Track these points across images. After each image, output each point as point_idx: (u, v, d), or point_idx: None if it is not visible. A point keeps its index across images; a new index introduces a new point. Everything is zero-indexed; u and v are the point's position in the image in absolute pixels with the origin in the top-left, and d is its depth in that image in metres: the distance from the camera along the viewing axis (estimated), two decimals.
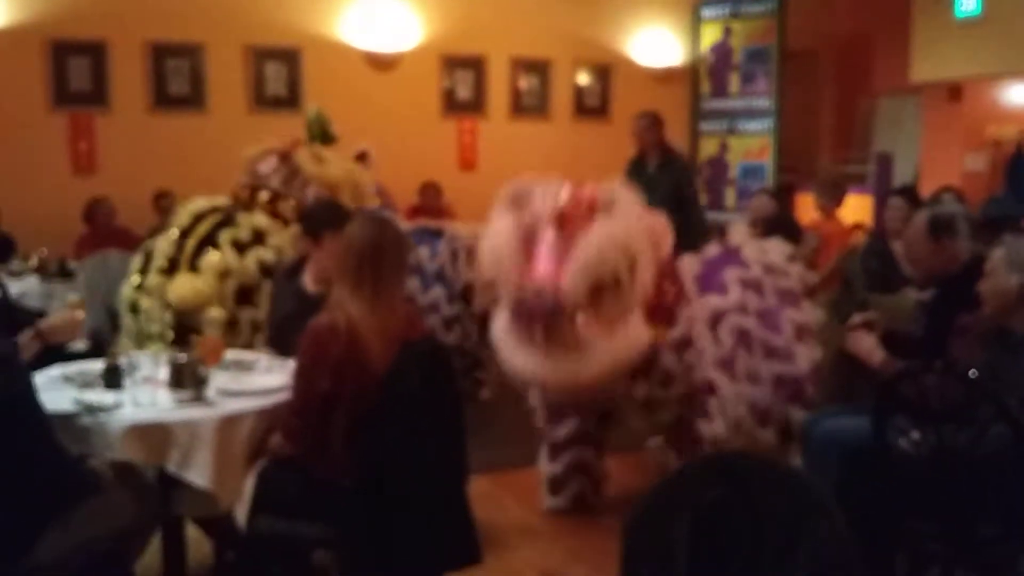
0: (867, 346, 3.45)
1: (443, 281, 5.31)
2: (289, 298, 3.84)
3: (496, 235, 3.42)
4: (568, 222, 3.34)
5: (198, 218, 4.67)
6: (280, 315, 3.87)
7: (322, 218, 3.82)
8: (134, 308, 4.58)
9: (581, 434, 4.07)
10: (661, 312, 3.55)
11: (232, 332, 4.32)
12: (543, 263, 3.28)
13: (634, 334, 3.33)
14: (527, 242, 3.35)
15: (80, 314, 3.34)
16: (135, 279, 4.64)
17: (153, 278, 4.55)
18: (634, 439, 4.57)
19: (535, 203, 3.40)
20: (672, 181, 6.18)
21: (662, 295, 3.54)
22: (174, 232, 4.62)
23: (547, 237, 3.32)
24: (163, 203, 7.00)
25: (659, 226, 3.54)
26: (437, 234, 5.47)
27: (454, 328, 5.29)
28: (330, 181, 5.09)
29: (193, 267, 4.52)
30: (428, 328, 5.24)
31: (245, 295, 4.50)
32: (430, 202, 7.73)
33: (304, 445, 2.90)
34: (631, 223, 3.36)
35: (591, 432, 4.12)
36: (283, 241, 4.67)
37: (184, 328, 4.33)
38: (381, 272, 2.93)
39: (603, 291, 3.25)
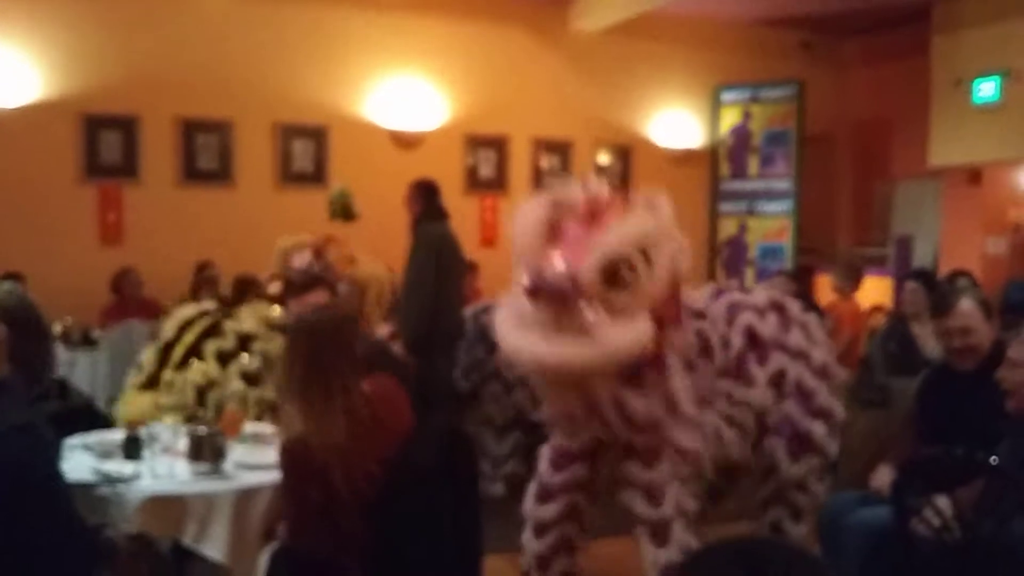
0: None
1: None
2: None
3: (525, 216, 3.41)
4: (598, 216, 3.36)
5: (184, 327, 4.69)
6: None
7: (289, 288, 3.97)
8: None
9: (568, 511, 3.99)
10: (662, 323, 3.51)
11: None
12: (565, 249, 3.28)
13: (639, 330, 3.28)
14: (554, 230, 3.36)
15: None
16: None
17: (129, 394, 4.58)
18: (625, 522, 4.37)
19: (569, 194, 3.42)
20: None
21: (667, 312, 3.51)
22: (159, 344, 4.65)
23: (573, 228, 3.34)
24: (206, 274, 7.05)
25: (684, 243, 3.58)
26: None
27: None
28: (359, 280, 5.25)
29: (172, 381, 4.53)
30: (516, 402, 5.32)
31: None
32: (467, 284, 6.94)
33: (309, 543, 2.81)
34: (659, 224, 3.38)
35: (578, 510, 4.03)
36: (270, 345, 4.68)
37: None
38: (327, 374, 2.82)
39: (618, 282, 3.24)
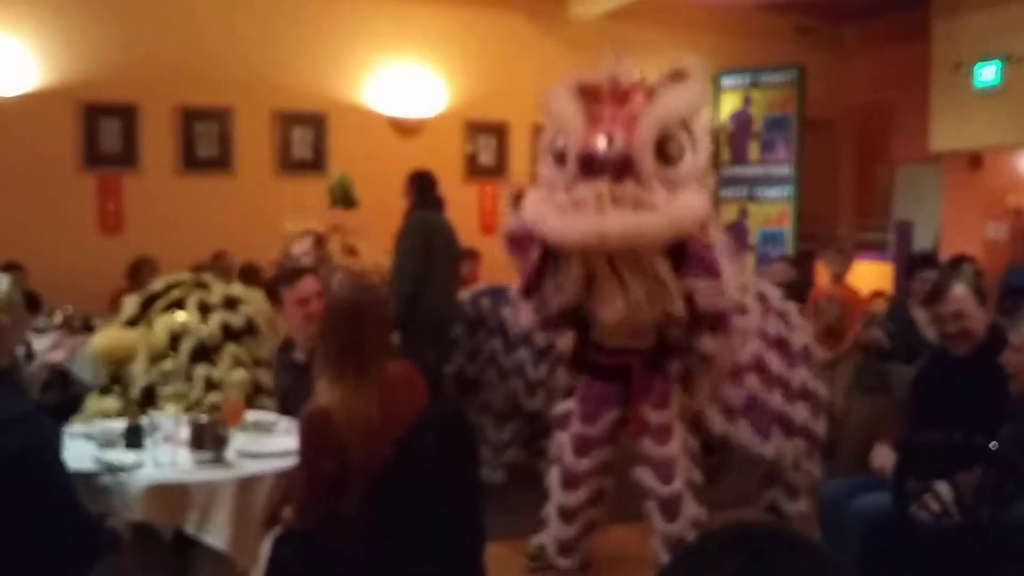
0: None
1: (530, 344, 5.19)
2: (285, 372, 3.97)
3: (560, 101, 3.47)
4: (625, 97, 3.43)
5: (173, 285, 4.67)
6: (281, 390, 3.98)
7: (277, 279, 3.95)
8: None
9: (594, 496, 4.04)
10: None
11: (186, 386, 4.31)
12: (606, 127, 3.31)
13: (698, 199, 3.32)
14: (591, 113, 3.40)
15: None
16: None
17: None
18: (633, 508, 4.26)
19: (593, 77, 3.50)
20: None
21: None
22: (143, 294, 4.63)
23: (605, 108, 3.39)
24: (221, 263, 7.02)
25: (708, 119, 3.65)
26: None
27: (538, 393, 5.16)
28: (358, 271, 5.25)
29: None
30: (511, 390, 5.27)
31: (203, 353, 4.47)
32: (467, 271, 6.91)
33: (315, 522, 2.84)
34: (695, 99, 3.43)
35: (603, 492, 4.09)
36: (258, 311, 4.64)
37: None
38: (364, 349, 2.83)
39: (667, 157, 3.28)
